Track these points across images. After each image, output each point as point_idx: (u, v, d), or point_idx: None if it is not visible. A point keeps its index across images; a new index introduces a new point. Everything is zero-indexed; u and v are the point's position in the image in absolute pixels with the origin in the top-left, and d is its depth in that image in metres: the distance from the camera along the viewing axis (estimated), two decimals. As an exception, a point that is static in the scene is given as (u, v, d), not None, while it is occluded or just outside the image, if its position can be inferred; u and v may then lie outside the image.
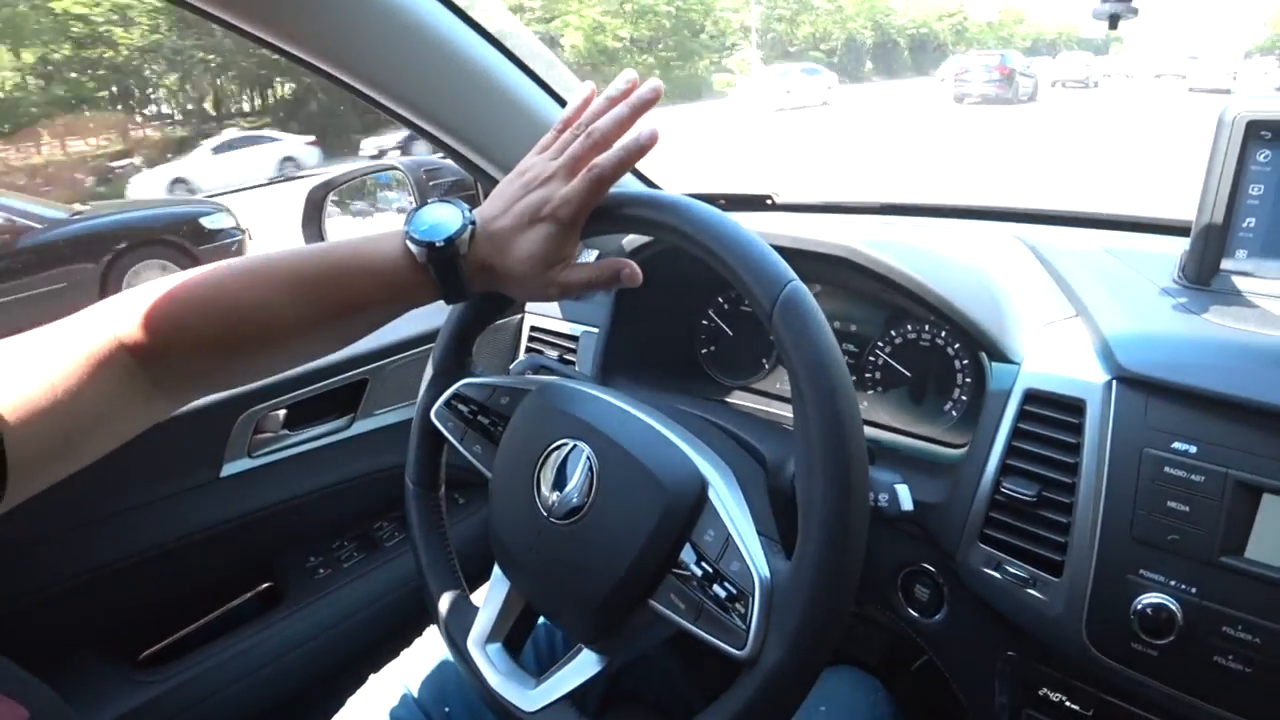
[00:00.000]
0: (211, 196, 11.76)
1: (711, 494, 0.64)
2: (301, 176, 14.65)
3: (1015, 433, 0.77)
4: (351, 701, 0.95)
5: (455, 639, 0.76)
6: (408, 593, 1.00)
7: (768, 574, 0.59)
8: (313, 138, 17.41)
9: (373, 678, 0.98)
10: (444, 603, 0.80)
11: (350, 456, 1.20)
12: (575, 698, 0.68)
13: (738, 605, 0.59)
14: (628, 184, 1.25)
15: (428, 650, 0.99)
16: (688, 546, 0.63)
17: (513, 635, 0.76)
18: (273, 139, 17.11)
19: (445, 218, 0.67)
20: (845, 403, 0.58)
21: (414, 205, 1.24)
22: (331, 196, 1.38)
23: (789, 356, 0.60)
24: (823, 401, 0.58)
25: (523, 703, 0.69)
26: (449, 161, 1.24)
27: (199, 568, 1.13)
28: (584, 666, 0.69)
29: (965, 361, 0.97)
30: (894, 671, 1.05)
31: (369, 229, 1.45)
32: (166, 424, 0.99)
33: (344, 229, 1.38)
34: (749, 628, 0.58)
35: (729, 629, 0.59)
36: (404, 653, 1.01)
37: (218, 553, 1.14)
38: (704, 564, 0.61)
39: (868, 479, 0.59)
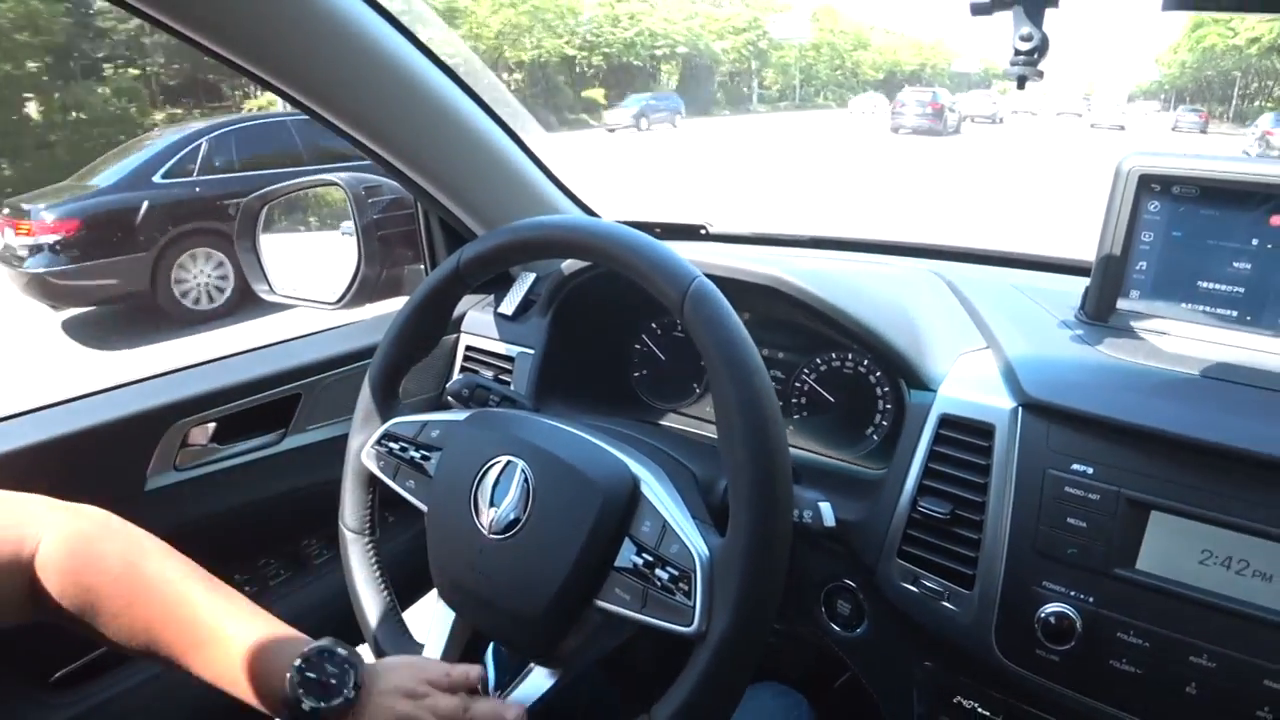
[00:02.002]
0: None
1: (644, 488, 0.68)
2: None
3: (931, 455, 0.82)
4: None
5: None
6: (335, 611, 0.99)
7: (706, 550, 0.63)
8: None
9: None
10: (386, 643, 0.81)
11: (281, 472, 1.18)
12: (532, 716, 0.70)
13: (681, 585, 0.62)
14: (565, 210, 1.28)
15: None
16: (627, 541, 0.66)
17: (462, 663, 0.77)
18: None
19: (334, 680, 0.65)
20: (758, 375, 0.63)
21: (354, 222, 1.24)
22: (267, 210, 1.37)
23: (703, 342, 0.64)
24: (736, 374, 0.63)
25: None
26: (387, 179, 1.25)
27: None
28: (537, 683, 0.71)
29: (886, 389, 1.02)
30: (818, 687, 1.09)
31: (308, 242, 1.44)
32: (89, 433, 0.98)
33: (281, 243, 1.37)
34: (694, 604, 0.61)
35: (676, 609, 0.62)
36: None
37: None
38: (644, 554, 0.65)
39: (785, 441, 0.63)
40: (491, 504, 0.71)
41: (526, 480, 0.71)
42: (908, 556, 0.82)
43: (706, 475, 0.80)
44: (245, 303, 6.10)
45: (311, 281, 1.34)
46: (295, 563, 1.24)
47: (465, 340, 1.27)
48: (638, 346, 1.23)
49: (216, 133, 6.54)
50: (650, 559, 0.65)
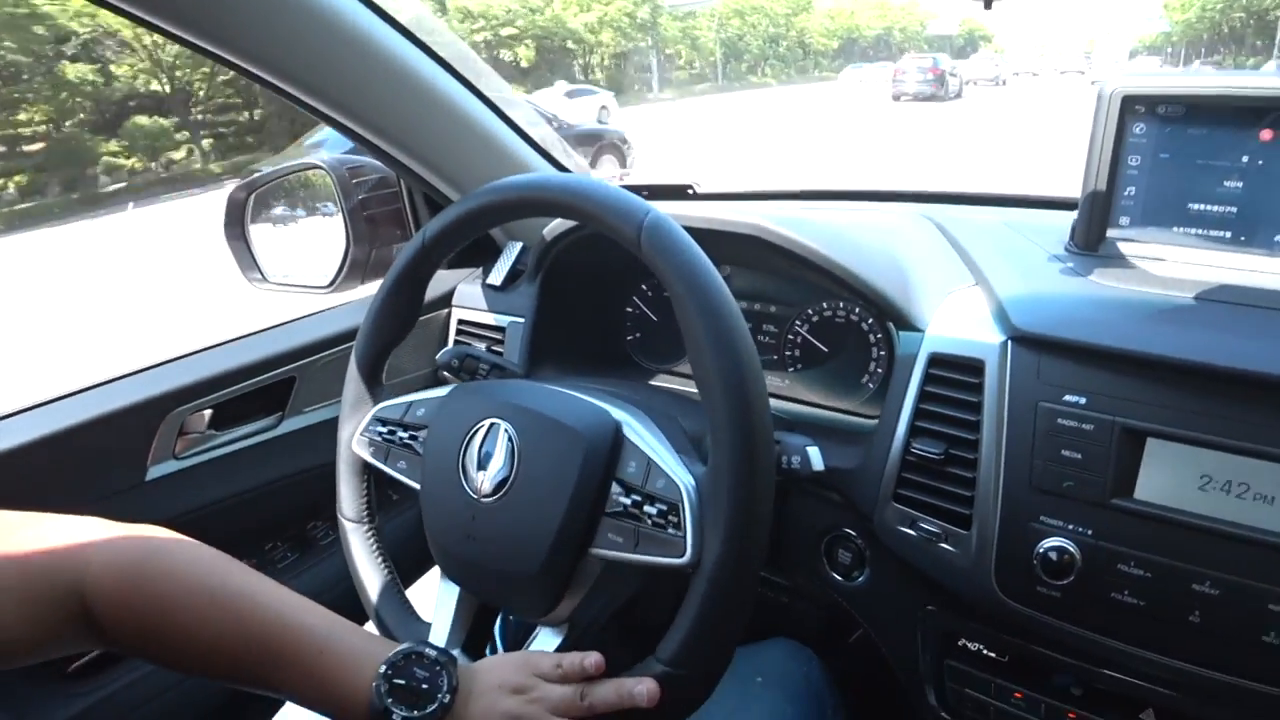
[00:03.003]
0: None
1: (626, 430, 0.68)
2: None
3: (922, 396, 0.81)
4: (289, 704, 0.95)
5: None
6: (344, 591, 0.99)
7: (691, 480, 0.63)
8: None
9: None
10: (392, 625, 0.81)
11: (281, 455, 1.18)
12: None
13: (670, 517, 0.63)
14: (540, 169, 1.26)
15: None
16: (615, 485, 0.66)
17: (471, 639, 0.78)
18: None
19: (426, 686, 0.63)
20: (721, 296, 0.62)
21: (339, 205, 1.23)
22: (254, 198, 1.36)
23: (663, 273, 0.64)
24: (699, 298, 0.62)
25: None
26: (371, 160, 1.24)
27: None
28: (544, 644, 0.71)
29: (879, 335, 1.01)
30: (830, 644, 1.09)
31: (294, 233, 1.43)
32: (88, 426, 0.98)
33: (268, 233, 1.37)
34: (685, 534, 0.61)
35: (668, 543, 0.62)
36: None
37: None
38: (632, 494, 0.65)
39: (757, 362, 0.63)
40: (480, 467, 0.71)
41: (511, 439, 0.71)
42: (904, 500, 0.81)
43: (696, 429, 0.79)
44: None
45: (304, 267, 1.34)
46: (302, 545, 1.25)
47: (457, 314, 1.27)
48: (629, 309, 1.22)
49: None
50: (638, 498, 0.65)
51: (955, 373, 0.79)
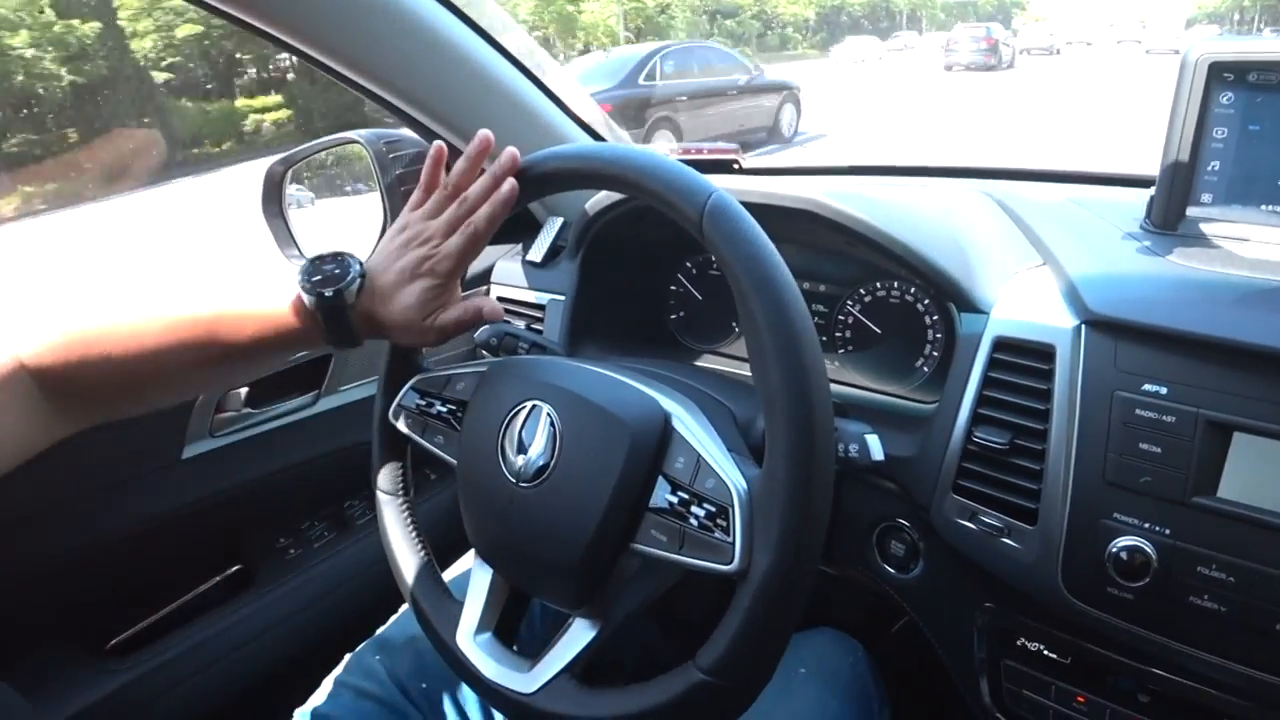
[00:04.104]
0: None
1: (675, 423, 0.64)
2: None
3: (986, 381, 0.76)
4: (328, 680, 0.94)
5: (443, 639, 0.75)
6: (380, 570, 0.98)
7: (743, 483, 0.59)
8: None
9: (348, 656, 0.96)
10: (427, 606, 0.79)
11: (317, 434, 1.17)
12: (575, 670, 0.67)
13: (719, 521, 0.58)
14: (575, 139, 1.23)
15: (404, 627, 0.98)
16: (660, 480, 0.62)
17: (503, 624, 0.75)
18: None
19: (337, 270, 0.73)
20: (787, 290, 0.58)
21: (376, 180, 1.21)
22: (291, 173, 1.35)
23: (724, 259, 0.59)
24: (764, 291, 0.58)
25: (520, 686, 0.67)
26: (408, 133, 1.22)
27: (165, 552, 1.11)
28: (578, 636, 0.68)
29: (935, 317, 0.96)
30: (875, 633, 1.05)
31: (332, 208, 1.42)
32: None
33: (305, 208, 1.36)
34: (734, 540, 0.57)
35: (715, 547, 0.58)
36: (379, 630, 1.00)
37: (184, 536, 1.11)
38: (679, 491, 0.61)
39: (821, 360, 0.58)
40: (519, 451, 0.68)
41: (553, 424, 0.67)
42: (964, 491, 0.77)
43: (745, 415, 0.76)
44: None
45: (341, 244, 1.32)
46: (339, 524, 1.24)
47: (495, 291, 1.24)
48: (673, 287, 1.18)
49: (663, 51, 9.62)
50: (685, 496, 0.61)
51: (1023, 358, 0.75)
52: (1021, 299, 0.78)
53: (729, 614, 0.58)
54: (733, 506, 0.58)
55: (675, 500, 0.61)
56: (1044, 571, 0.71)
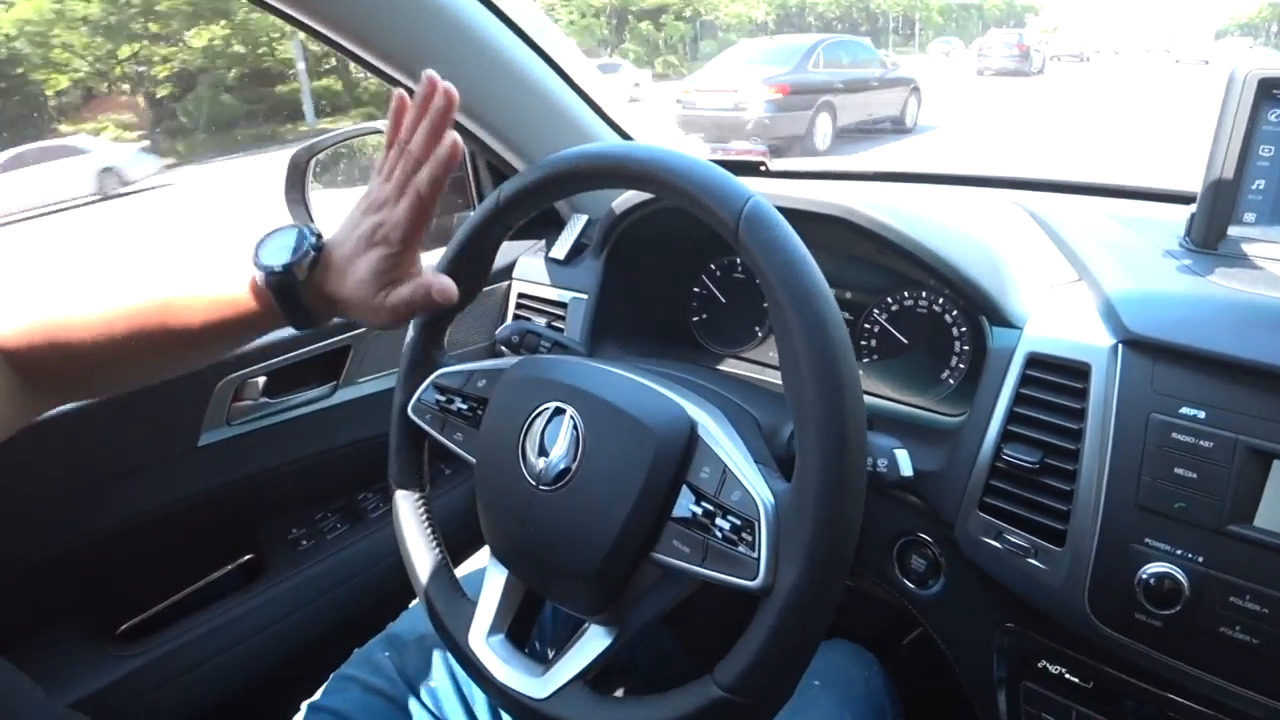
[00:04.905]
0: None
1: (701, 432, 0.63)
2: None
3: (1017, 398, 0.75)
4: (335, 675, 0.93)
5: (455, 638, 0.74)
6: (392, 565, 0.98)
7: (771, 497, 0.57)
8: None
9: (357, 651, 0.96)
10: (439, 605, 0.78)
11: (333, 425, 1.17)
12: (588, 677, 0.66)
13: (744, 535, 0.57)
14: (604, 138, 1.21)
15: (413, 623, 0.97)
16: (684, 490, 0.61)
17: (515, 626, 0.74)
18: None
19: (286, 243, 0.69)
20: (823, 301, 0.57)
21: None
22: (314, 162, 1.34)
23: (760, 268, 0.58)
24: (800, 303, 0.56)
25: (532, 690, 0.66)
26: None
27: (178, 539, 1.11)
28: (593, 643, 0.66)
29: (963, 329, 0.95)
30: (889, 645, 1.04)
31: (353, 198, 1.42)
32: (141, 391, 0.97)
33: (327, 198, 1.35)
34: (759, 555, 0.56)
35: (739, 561, 0.57)
36: (389, 625, 0.99)
37: (197, 524, 1.11)
38: (704, 502, 0.60)
39: (857, 375, 0.57)
40: (540, 453, 0.67)
41: (576, 427, 0.66)
42: (990, 509, 0.76)
43: (771, 422, 0.74)
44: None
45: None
46: (352, 516, 1.24)
47: (517, 287, 1.23)
48: (696, 289, 1.17)
49: (823, 43, 10.78)
50: (710, 508, 0.59)
51: (1056, 375, 0.73)
52: (1056, 315, 0.76)
53: (751, 630, 0.57)
54: (759, 521, 0.56)
55: (699, 511, 0.60)
56: (1070, 595, 0.69)
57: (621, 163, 0.67)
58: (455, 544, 0.84)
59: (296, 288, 0.69)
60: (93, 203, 12.24)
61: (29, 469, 0.65)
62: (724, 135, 9.62)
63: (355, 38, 0.94)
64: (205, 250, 6.64)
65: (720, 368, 1.13)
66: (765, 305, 1.10)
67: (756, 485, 0.58)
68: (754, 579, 0.56)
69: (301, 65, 18.99)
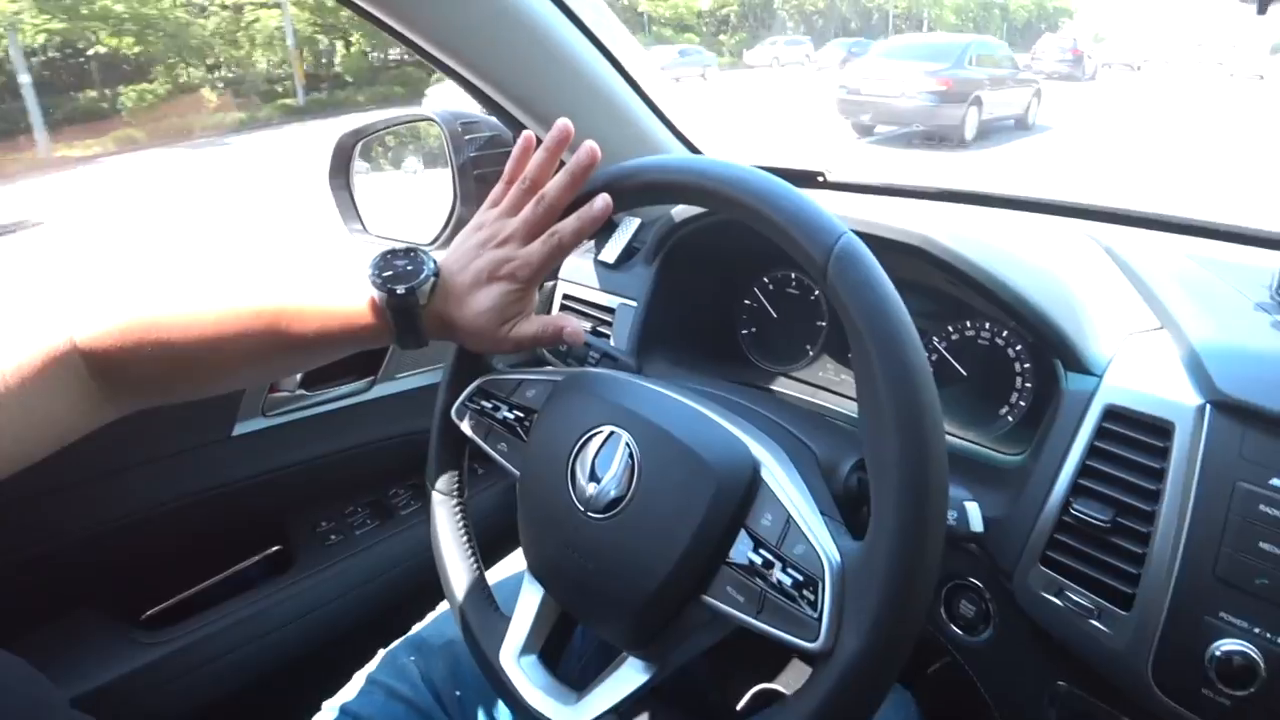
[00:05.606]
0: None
1: (765, 474, 0.60)
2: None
3: (1091, 450, 0.71)
4: (358, 675, 0.92)
5: (486, 654, 0.72)
6: (421, 564, 0.97)
7: (838, 556, 0.54)
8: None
9: (382, 652, 0.94)
10: (471, 618, 0.76)
11: (368, 420, 1.15)
12: (622, 712, 0.63)
13: (805, 592, 0.54)
14: (672, 150, 1.18)
15: (441, 629, 0.95)
16: (742, 534, 0.58)
17: (549, 646, 0.71)
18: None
19: (410, 267, 0.70)
20: (913, 351, 0.54)
21: (449, 160, 1.18)
22: (360, 146, 1.32)
23: (848, 310, 0.55)
24: (889, 352, 0.53)
25: (563, 717, 0.64)
26: (485, 115, 1.18)
27: (207, 528, 1.10)
28: (630, 676, 0.64)
29: (1026, 365, 0.91)
30: (916, 674, 1.00)
31: (395, 183, 1.40)
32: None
33: (372, 183, 1.33)
34: (820, 616, 0.53)
35: (797, 620, 0.54)
36: (415, 627, 0.98)
37: (227, 513, 1.10)
38: (762, 550, 0.57)
39: (942, 432, 0.53)
40: (592, 478, 0.64)
41: (631, 455, 0.63)
42: (1053, 564, 0.72)
43: (830, 456, 0.70)
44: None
45: (406, 222, 1.30)
46: (382, 512, 1.22)
47: (563, 288, 1.20)
48: (747, 302, 1.14)
49: (975, 41, 11.96)
50: (769, 558, 0.56)
51: (1136, 431, 0.69)
52: (1138, 365, 0.72)
53: (807, 690, 0.54)
54: (823, 580, 0.53)
55: (758, 560, 0.57)
56: (1133, 662, 0.66)
57: (697, 179, 0.64)
58: (486, 545, 0.83)
59: (417, 310, 0.69)
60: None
61: (60, 451, 0.64)
62: (884, 119, 11.62)
63: (411, 24, 0.91)
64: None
65: (772, 387, 1.09)
66: (818, 324, 1.06)
67: (823, 541, 0.55)
68: (813, 641, 0.53)
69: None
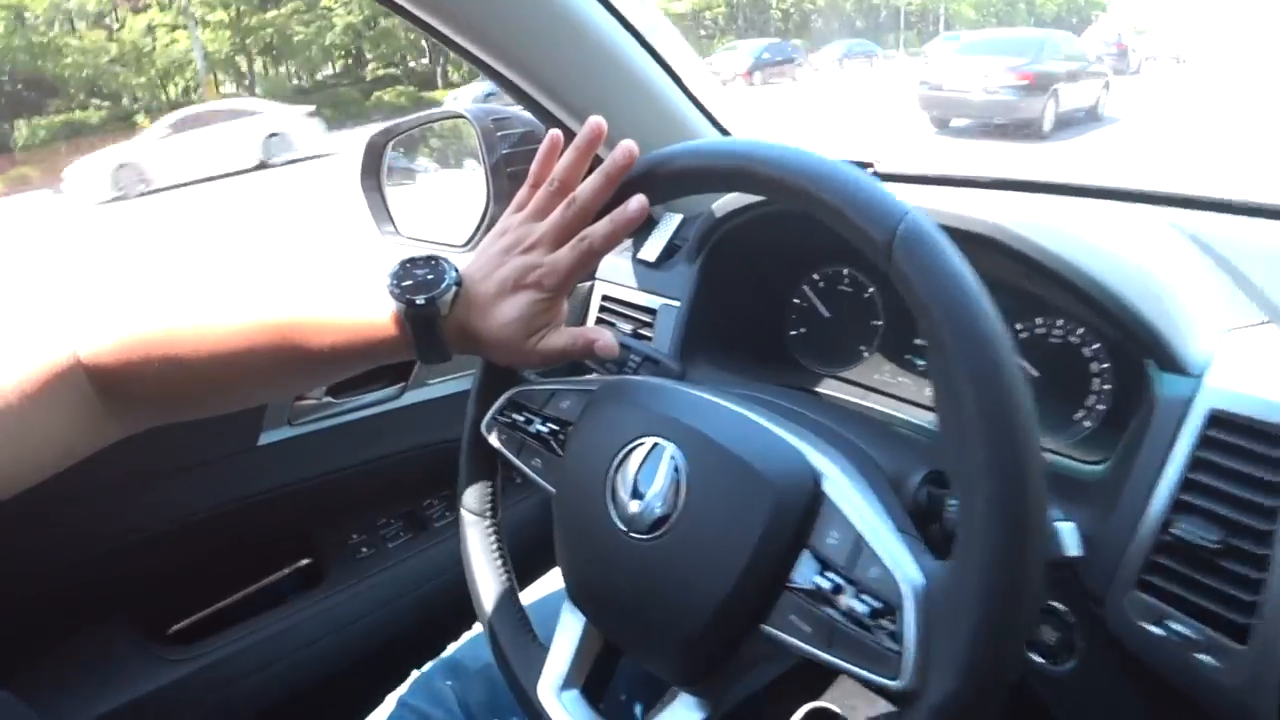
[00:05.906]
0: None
1: (828, 487, 0.54)
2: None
3: (1194, 462, 0.63)
4: (391, 697, 0.88)
5: (524, 687, 0.67)
6: (456, 579, 0.92)
7: (920, 578, 0.48)
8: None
9: (416, 673, 0.91)
10: (507, 647, 0.71)
11: (399, 429, 1.11)
12: None
13: (884, 622, 0.47)
14: (702, 133, 1.12)
15: (477, 649, 0.91)
16: (806, 555, 0.52)
17: (592, 680, 0.66)
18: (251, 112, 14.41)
19: (430, 276, 0.66)
20: (1000, 347, 0.46)
21: (481, 159, 1.14)
22: (392, 145, 1.29)
23: (918, 297, 0.48)
24: (970, 346, 0.46)
25: None
26: (517, 111, 1.14)
27: (233, 540, 1.07)
28: (682, 715, 0.58)
29: (1105, 365, 0.83)
30: None
31: (426, 183, 1.37)
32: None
33: (404, 183, 1.30)
34: (903, 650, 0.46)
35: (876, 654, 0.47)
36: (451, 647, 0.94)
37: (253, 525, 1.07)
38: (831, 574, 0.50)
39: (1037, 438, 0.46)
40: (634, 495, 0.58)
41: (677, 470, 0.57)
42: (1151, 589, 0.64)
43: (895, 469, 0.64)
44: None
45: (438, 222, 1.26)
46: (415, 524, 1.19)
47: (600, 289, 1.15)
48: (796, 300, 1.07)
49: (1052, 36, 12.01)
50: (839, 582, 0.50)
51: (1247, 440, 0.61)
52: (1244, 365, 0.64)
53: None
54: (903, 607, 0.47)
55: (825, 585, 0.50)
56: (1252, 700, 0.58)
57: (743, 163, 0.58)
58: (523, 560, 0.79)
59: (437, 322, 0.65)
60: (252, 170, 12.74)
61: (84, 462, 0.61)
62: (966, 114, 11.94)
63: (441, 15, 0.87)
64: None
65: (822, 391, 1.03)
66: (874, 323, 1.00)
67: (902, 562, 0.48)
68: (896, 678, 0.46)
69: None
